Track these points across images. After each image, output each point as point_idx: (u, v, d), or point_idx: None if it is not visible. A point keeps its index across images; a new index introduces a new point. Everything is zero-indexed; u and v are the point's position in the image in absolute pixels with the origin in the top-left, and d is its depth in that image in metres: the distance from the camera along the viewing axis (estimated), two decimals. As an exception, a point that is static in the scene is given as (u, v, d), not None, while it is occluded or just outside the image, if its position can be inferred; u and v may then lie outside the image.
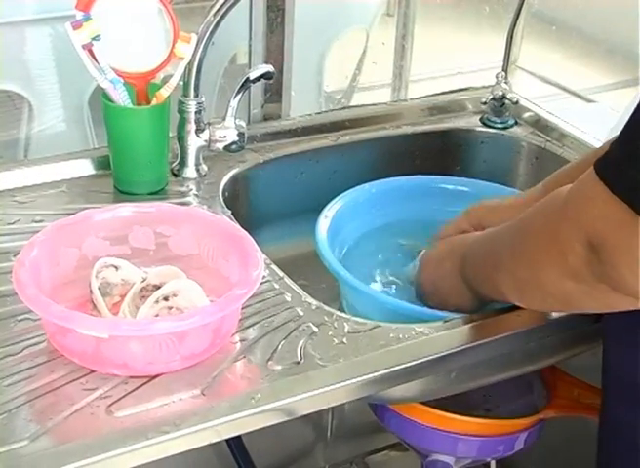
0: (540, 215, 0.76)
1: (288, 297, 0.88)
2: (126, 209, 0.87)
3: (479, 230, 1.00)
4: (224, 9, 0.99)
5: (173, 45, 0.98)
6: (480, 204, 1.01)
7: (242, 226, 0.89)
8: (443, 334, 0.84)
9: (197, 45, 0.99)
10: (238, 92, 1.05)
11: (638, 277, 0.66)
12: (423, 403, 0.95)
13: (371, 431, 1.40)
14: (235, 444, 1.20)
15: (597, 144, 1.21)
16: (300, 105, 1.26)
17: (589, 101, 2.06)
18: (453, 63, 1.83)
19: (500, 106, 1.26)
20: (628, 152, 0.66)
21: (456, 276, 0.89)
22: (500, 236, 0.83)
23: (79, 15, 0.95)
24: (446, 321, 0.86)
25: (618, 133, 0.92)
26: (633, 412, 0.78)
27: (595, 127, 1.26)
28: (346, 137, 1.20)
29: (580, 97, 2.07)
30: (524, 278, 0.78)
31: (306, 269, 1.05)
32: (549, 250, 0.73)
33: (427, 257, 0.97)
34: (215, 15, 0.99)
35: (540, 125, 1.26)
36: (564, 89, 2.06)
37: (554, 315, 0.87)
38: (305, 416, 0.79)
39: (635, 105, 0.67)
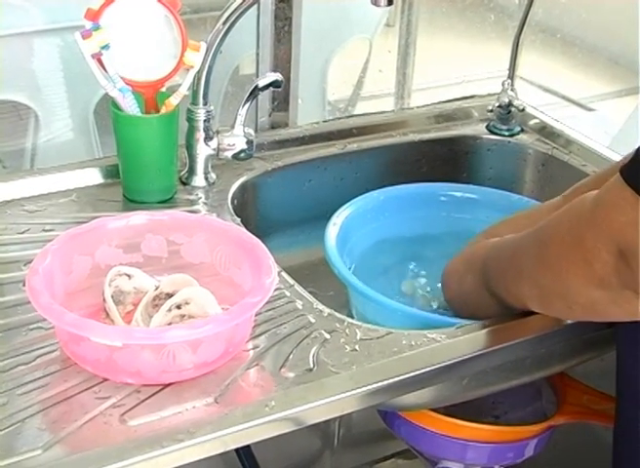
0: (565, 223, 0.74)
1: (299, 305, 0.88)
2: (139, 217, 0.87)
3: None
4: (234, 17, 0.99)
5: (182, 53, 0.98)
6: (497, 222, 0.99)
7: (251, 234, 0.89)
8: (455, 341, 0.84)
9: (206, 53, 1.00)
10: (247, 100, 1.05)
11: None
12: (433, 409, 0.95)
13: (378, 438, 1.39)
14: (243, 451, 1.20)
15: (603, 151, 1.21)
16: (304, 114, 1.27)
17: (589, 110, 2.07)
18: (456, 72, 1.83)
19: (507, 114, 1.26)
20: None
21: (481, 289, 0.88)
22: (521, 244, 0.82)
23: (88, 24, 0.95)
24: (458, 327, 0.86)
25: (622, 139, 0.92)
26: None
27: (594, 134, 1.27)
28: (354, 145, 1.20)
29: (579, 105, 2.08)
30: (548, 286, 0.77)
31: (314, 276, 1.05)
32: (574, 257, 0.72)
33: (448, 273, 0.96)
34: (224, 23, 0.99)
35: (546, 132, 1.26)
36: (563, 97, 2.07)
37: (566, 321, 0.87)
38: (313, 424, 0.78)
39: None
